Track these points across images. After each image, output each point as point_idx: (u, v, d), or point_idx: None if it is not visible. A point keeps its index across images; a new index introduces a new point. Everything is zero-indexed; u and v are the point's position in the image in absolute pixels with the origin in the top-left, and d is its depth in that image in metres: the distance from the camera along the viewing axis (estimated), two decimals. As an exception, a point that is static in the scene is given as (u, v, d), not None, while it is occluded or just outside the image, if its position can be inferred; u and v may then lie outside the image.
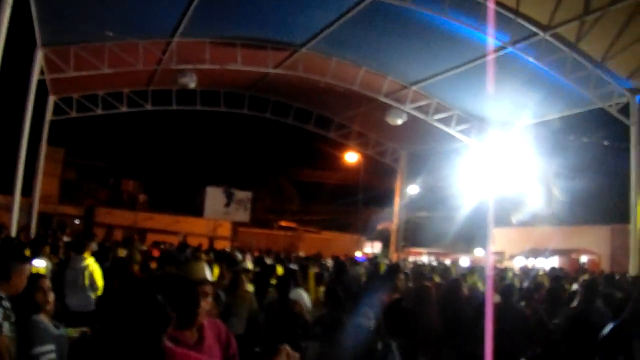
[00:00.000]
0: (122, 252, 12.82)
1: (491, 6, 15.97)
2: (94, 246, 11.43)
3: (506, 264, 23.73)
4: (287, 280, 8.00)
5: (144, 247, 16.10)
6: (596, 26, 16.89)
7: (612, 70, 18.70)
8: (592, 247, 26.97)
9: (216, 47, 20.37)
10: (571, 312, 7.08)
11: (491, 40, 17.50)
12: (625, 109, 19.99)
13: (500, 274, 14.77)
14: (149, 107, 25.21)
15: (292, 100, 26.69)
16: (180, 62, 20.68)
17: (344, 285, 8.85)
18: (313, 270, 11.45)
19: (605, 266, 23.27)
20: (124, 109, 24.90)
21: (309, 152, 36.83)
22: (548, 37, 17.56)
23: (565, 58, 18.18)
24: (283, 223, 38.70)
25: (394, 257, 26.67)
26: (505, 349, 6.17)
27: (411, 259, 27.61)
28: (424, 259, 25.12)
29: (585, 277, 13.40)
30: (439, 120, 23.95)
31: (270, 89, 25.22)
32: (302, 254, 21.01)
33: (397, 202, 30.63)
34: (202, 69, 20.83)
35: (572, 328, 6.60)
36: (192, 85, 20.89)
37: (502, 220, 24.19)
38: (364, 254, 30.16)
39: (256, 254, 18.07)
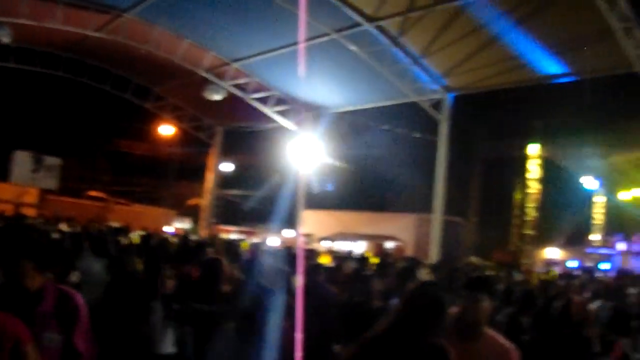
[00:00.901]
0: None
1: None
2: None
3: (315, 245, 24.35)
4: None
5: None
6: (419, 23, 18.56)
7: (429, 67, 20.09)
8: (398, 234, 28.41)
9: (36, 1, 19.21)
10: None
11: (315, 26, 17.70)
12: (437, 105, 22.15)
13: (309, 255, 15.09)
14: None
15: (112, 66, 25.86)
16: (-6, 13, 19.41)
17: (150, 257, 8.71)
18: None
19: (410, 253, 24.60)
20: None
21: (124, 121, 35.72)
22: (372, 29, 18.47)
23: (387, 51, 19.15)
24: (93, 193, 37.39)
25: (203, 233, 26.59)
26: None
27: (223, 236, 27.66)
28: (233, 236, 25.19)
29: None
30: (257, 100, 24.81)
31: (90, 53, 24.50)
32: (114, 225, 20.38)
33: (210, 178, 30.69)
34: (19, 23, 19.59)
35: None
36: (7, 40, 19.59)
37: (313, 202, 24.79)
38: (175, 228, 29.85)
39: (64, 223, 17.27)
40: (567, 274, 13.69)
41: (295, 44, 20.20)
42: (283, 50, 21.02)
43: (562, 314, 6.33)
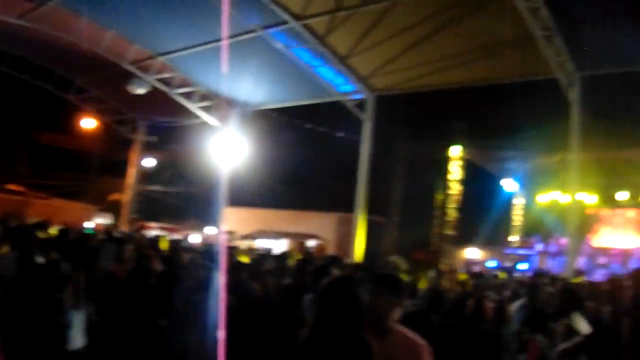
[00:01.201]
0: None
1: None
2: None
3: (237, 243, 24.32)
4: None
5: None
6: (345, 23, 18.97)
7: (354, 67, 20.30)
8: (320, 233, 28.66)
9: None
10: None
11: (241, 22, 17.73)
12: (361, 105, 22.87)
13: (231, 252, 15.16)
14: None
15: (33, 55, 25.14)
16: None
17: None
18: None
19: (331, 251, 24.81)
20: None
21: (45, 113, 34.88)
22: (299, 27, 18.47)
23: (313, 49, 19.15)
24: (11, 186, 36.39)
25: (125, 229, 26.26)
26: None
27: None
28: (154, 233, 24.96)
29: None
30: (182, 95, 24.53)
31: (10, 41, 23.62)
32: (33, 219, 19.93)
33: (132, 173, 30.27)
34: None
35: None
36: None
37: (235, 200, 24.79)
38: (96, 224, 29.35)
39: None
40: (477, 274, 14.01)
41: (220, 39, 20.15)
42: (209, 46, 21.01)
43: (475, 313, 6.51)
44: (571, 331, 5.87)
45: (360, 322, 3.53)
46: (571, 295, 6.73)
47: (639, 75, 18.43)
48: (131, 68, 23.69)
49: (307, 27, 19.62)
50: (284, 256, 14.49)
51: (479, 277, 9.67)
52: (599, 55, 16.94)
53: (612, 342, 3.90)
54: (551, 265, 27.14)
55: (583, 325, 5.93)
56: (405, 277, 10.31)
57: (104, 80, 26.50)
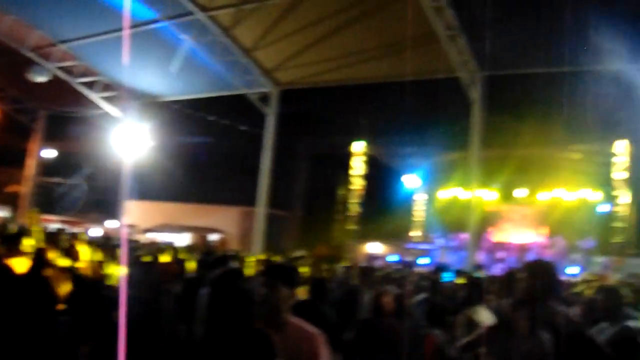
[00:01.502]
0: None
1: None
2: None
3: (139, 237, 24.06)
4: None
5: None
6: (251, 16, 19.00)
7: (259, 60, 20.43)
8: (223, 227, 28.65)
9: None
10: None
11: (146, 11, 17.58)
12: (266, 99, 23.03)
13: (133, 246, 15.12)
14: None
15: None
16: None
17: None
18: None
19: (234, 245, 24.82)
20: None
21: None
22: (204, 18, 18.49)
23: (218, 41, 19.18)
24: None
25: (23, 222, 25.55)
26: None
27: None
28: (54, 226, 24.41)
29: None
30: (84, 84, 23.92)
31: None
32: None
33: (31, 164, 29.46)
34: None
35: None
36: None
37: (138, 193, 24.56)
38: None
39: None
40: (367, 269, 14.29)
41: (122, 29, 19.82)
42: (112, 35, 20.52)
43: (374, 306, 6.68)
44: (473, 324, 6.06)
45: (250, 313, 3.56)
46: (474, 287, 6.95)
47: (537, 76, 19.25)
48: (31, 55, 23.04)
49: (213, 19, 19.55)
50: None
51: (368, 273, 9.81)
52: (500, 55, 17.53)
53: (510, 333, 4.07)
54: (452, 259, 27.88)
55: (486, 317, 6.14)
56: (307, 270, 10.51)
57: (2, 67, 25.69)
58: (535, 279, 4.07)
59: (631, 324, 5.04)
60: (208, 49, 20.35)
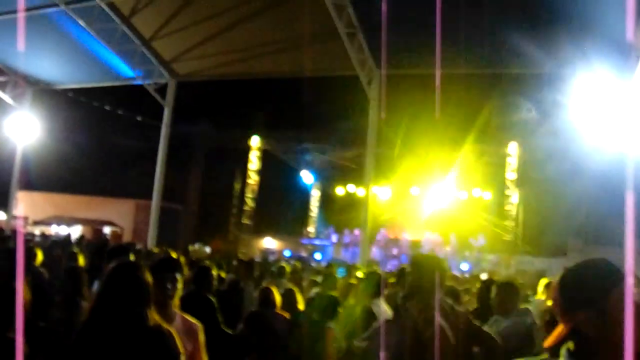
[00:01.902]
0: None
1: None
2: None
3: (30, 229, 23.42)
4: None
5: None
6: (151, 6, 18.65)
7: (157, 50, 20.15)
8: (116, 219, 28.19)
9: None
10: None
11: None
12: (163, 90, 22.51)
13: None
14: None
15: None
16: None
17: None
18: None
19: (128, 238, 24.47)
20: None
21: None
22: (103, 5, 18.26)
23: (116, 29, 18.76)
24: None
25: None
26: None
27: None
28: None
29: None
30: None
31: None
32: None
33: None
34: None
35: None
36: None
37: (28, 184, 23.86)
38: None
39: None
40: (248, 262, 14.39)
41: (16, 11, 19.19)
42: (4, 17, 19.76)
43: (262, 299, 6.79)
44: (371, 317, 6.22)
45: (146, 305, 3.43)
46: (374, 280, 7.14)
47: (434, 77, 19.76)
48: None
49: (111, 7, 19.13)
50: (72, 242, 14.21)
51: (251, 267, 9.91)
52: (398, 55, 17.88)
53: (404, 324, 4.17)
54: (345, 255, 28.28)
55: (383, 310, 6.34)
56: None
57: None
58: (422, 272, 4.23)
59: (524, 318, 5.33)
60: (106, 37, 19.90)
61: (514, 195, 26.95)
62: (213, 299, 6.30)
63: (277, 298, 6.88)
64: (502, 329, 5.07)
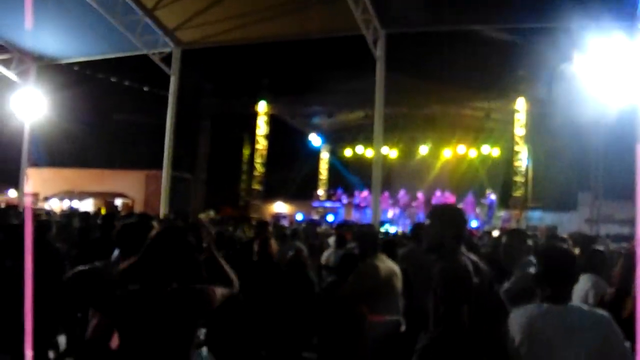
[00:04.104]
0: None
1: None
2: None
3: (41, 205, 23.76)
4: None
5: None
6: None
7: (161, 19, 20.27)
8: (127, 191, 28.56)
9: None
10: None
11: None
12: (168, 59, 22.73)
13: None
14: None
15: None
16: None
17: None
18: None
19: (139, 209, 24.89)
20: None
21: None
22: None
23: (119, 0, 18.86)
24: None
25: None
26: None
27: None
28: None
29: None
30: (-25, 48, 22.78)
31: None
32: None
33: None
34: None
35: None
36: None
37: (37, 159, 24.18)
38: None
39: None
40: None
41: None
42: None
43: (261, 253, 7.12)
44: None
45: (198, 270, 3.62)
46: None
47: (440, 35, 19.90)
48: None
49: (113, -23, 19.30)
50: (89, 215, 14.45)
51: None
52: (403, 14, 17.99)
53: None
54: (355, 215, 28.63)
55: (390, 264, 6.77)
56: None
57: None
58: (443, 224, 4.09)
59: (528, 270, 5.28)
60: (108, 8, 20.00)
61: (523, 151, 27.09)
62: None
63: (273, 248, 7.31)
64: (509, 285, 5.31)
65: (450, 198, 27.62)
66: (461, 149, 29.74)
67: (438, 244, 4.07)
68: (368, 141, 27.43)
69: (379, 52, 19.34)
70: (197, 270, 3.64)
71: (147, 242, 3.60)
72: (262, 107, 30.70)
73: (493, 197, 27.69)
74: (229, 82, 30.18)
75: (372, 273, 6.40)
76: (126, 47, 22.47)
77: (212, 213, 25.26)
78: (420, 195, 28.69)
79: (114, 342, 3.60)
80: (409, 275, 6.66)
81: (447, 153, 30.52)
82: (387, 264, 6.60)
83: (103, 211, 21.53)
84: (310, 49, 22.45)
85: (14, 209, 12.39)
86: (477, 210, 27.47)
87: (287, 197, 33.19)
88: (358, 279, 6.42)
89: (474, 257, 4.11)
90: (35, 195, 27.49)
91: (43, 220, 9.25)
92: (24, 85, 23.69)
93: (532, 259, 5.43)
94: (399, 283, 6.56)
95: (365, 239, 6.91)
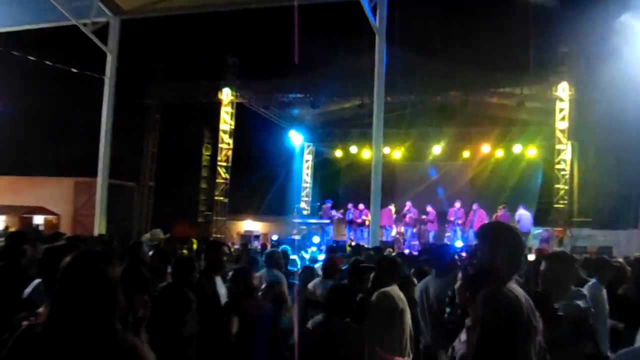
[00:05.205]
0: None
1: None
2: None
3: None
4: None
5: None
6: None
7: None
8: (50, 205, 28.21)
9: None
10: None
11: None
12: (104, 32, 22.31)
13: None
14: None
15: None
16: None
17: None
18: None
19: (67, 227, 24.54)
20: None
21: None
22: None
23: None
24: None
25: None
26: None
27: None
28: None
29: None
30: None
31: None
32: None
33: None
34: None
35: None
36: None
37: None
38: None
39: None
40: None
41: None
42: None
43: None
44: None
45: (114, 310, 3.40)
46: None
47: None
48: None
49: None
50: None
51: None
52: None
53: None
54: (351, 236, 28.45)
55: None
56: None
57: None
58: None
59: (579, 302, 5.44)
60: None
61: (566, 151, 26.74)
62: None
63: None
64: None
65: (481, 214, 27.26)
66: (485, 148, 29.65)
67: (487, 270, 4.04)
68: (365, 138, 27.38)
69: (378, 22, 18.98)
70: (120, 312, 3.44)
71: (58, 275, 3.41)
72: (226, 94, 30.35)
73: (527, 210, 27.55)
74: (184, 62, 29.97)
75: (391, 303, 6.57)
76: (50, 17, 22.09)
77: (159, 232, 25.00)
78: (430, 209, 28.51)
79: None
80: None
81: (467, 153, 30.49)
82: (401, 296, 6.75)
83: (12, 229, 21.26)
84: (288, 17, 22.14)
85: None
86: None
87: (260, 212, 33.00)
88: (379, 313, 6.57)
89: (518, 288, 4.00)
90: None
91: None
92: None
93: (581, 290, 5.44)
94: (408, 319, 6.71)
95: (384, 266, 7.07)
